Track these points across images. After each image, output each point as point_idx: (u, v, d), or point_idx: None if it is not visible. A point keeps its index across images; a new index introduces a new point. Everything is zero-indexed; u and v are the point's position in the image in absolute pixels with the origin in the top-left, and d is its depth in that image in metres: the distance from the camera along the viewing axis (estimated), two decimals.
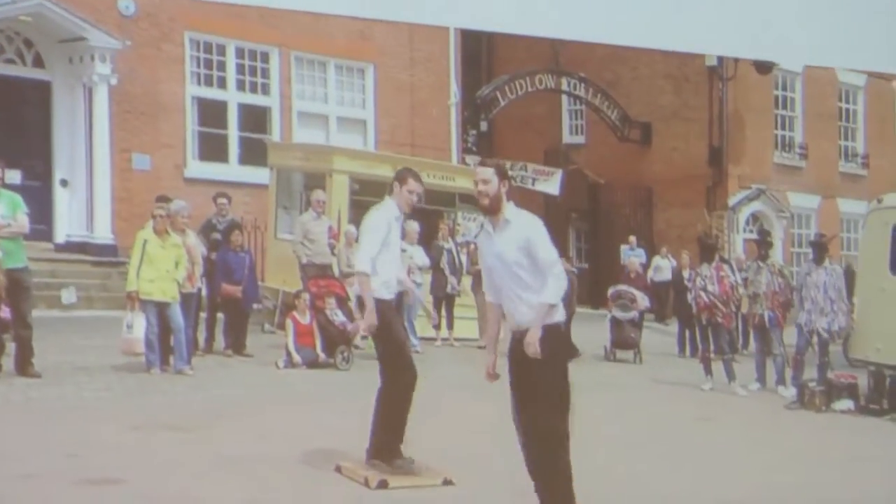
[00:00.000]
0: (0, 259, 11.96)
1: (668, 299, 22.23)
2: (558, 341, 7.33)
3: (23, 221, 12.38)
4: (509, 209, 7.48)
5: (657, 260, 23.82)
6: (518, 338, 7.37)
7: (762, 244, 16.99)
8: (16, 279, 12.29)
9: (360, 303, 9.22)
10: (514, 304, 7.40)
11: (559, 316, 7.36)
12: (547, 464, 7.31)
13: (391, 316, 9.13)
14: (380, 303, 8.99)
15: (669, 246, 25.16)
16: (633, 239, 24.73)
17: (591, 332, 19.54)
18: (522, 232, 7.31)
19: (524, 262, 7.30)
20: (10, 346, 12.74)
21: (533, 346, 7.14)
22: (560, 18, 9.26)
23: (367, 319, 8.90)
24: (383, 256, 9.08)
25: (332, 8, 9.93)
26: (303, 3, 9.76)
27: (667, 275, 22.55)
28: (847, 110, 30.94)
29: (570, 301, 15.24)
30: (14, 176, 14.25)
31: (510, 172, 25.31)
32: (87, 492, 8.19)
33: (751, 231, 28.17)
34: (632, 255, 22.51)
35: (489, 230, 7.53)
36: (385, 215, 9.21)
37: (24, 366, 12.38)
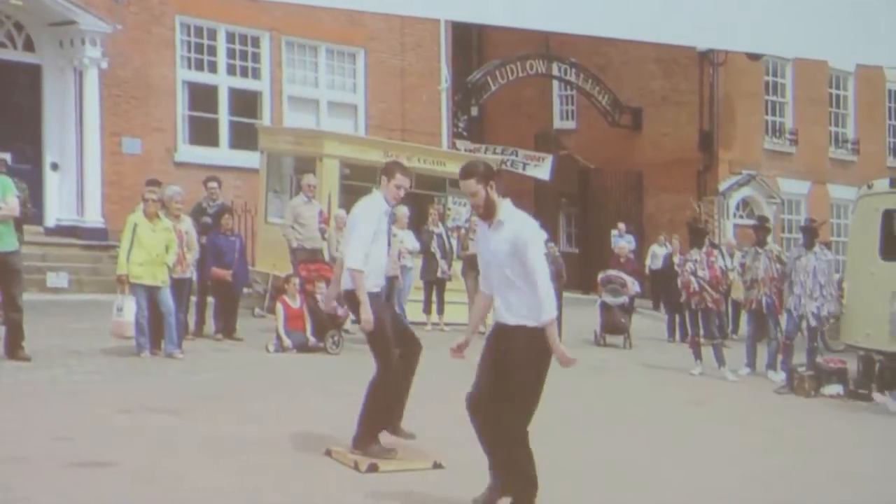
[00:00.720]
0: None
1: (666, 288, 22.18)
2: (542, 342, 7.36)
3: (13, 204, 12.34)
4: (504, 209, 7.49)
5: (654, 248, 23.81)
6: (499, 330, 7.44)
7: (760, 230, 17.00)
8: (6, 262, 12.26)
9: (350, 297, 9.24)
10: (500, 299, 7.46)
11: (550, 314, 7.39)
12: (504, 455, 7.41)
13: (379, 309, 9.14)
14: (369, 296, 9.02)
15: (659, 231, 25.21)
16: (622, 226, 24.68)
17: (580, 316, 19.58)
18: (514, 234, 7.33)
19: (513, 263, 7.33)
20: (0, 330, 12.76)
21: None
22: (551, 11, 9.26)
23: (363, 316, 8.91)
24: (373, 250, 9.09)
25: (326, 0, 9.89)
26: None
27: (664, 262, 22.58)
28: (837, 96, 30.98)
29: (558, 286, 15.30)
30: (4, 158, 14.19)
31: (501, 157, 25.39)
32: (77, 474, 8.18)
33: (741, 216, 28.22)
34: (621, 241, 22.50)
35: (485, 227, 7.58)
36: (374, 210, 9.21)
37: (13, 349, 12.37)
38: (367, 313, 8.90)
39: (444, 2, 9.52)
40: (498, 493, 7.58)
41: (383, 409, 9.10)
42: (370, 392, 9.08)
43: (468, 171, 7.63)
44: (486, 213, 7.47)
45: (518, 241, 7.25)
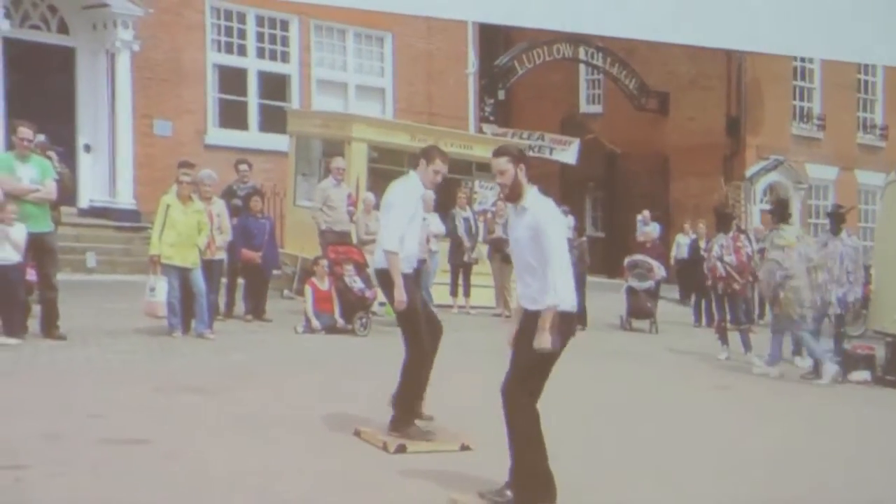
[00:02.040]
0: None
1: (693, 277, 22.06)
2: (564, 327, 7.41)
3: (51, 188, 12.49)
4: (529, 196, 7.53)
5: (679, 237, 23.71)
6: (525, 316, 7.50)
7: (775, 213, 16.88)
8: (42, 242, 12.42)
9: (379, 275, 9.31)
10: (521, 283, 7.53)
11: (568, 305, 7.42)
12: (507, 421, 7.46)
13: (411, 290, 9.19)
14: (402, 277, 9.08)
15: (686, 216, 25.17)
16: (646, 213, 24.45)
17: (606, 301, 19.61)
18: (534, 220, 7.37)
19: (533, 249, 7.39)
20: (36, 309, 12.88)
21: (541, 343, 7.25)
22: (579, 13, 9.31)
23: (397, 297, 8.97)
24: (407, 233, 9.15)
25: (355, 1, 9.95)
26: None
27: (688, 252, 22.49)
28: (866, 82, 30.85)
29: (580, 271, 15.31)
30: (38, 140, 14.29)
31: (528, 141, 25.40)
32: (110, 451, 8.27)
33: (768, 202, 28.15)
34: (646, 228, 22.40)
35: (512, 213, 7.65)
36: (412, 192, 9.26)
37: (49, 328, 12.51)
38: (401, 294, 8.97)
39: (476, 4, 9.57)
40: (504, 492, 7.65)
41: (418, 389, 9.17)
42: (404, 374, 9.15)
43: (501, 150, 7.73)
44: (512, 194, 7.52)
45: (538, 226, 7.30)
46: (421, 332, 9.14)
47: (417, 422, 9.22)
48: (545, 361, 7.40)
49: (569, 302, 7.39)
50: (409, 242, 9.16)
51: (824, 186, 29.82)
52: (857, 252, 15.84)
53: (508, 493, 7.59)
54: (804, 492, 8.87)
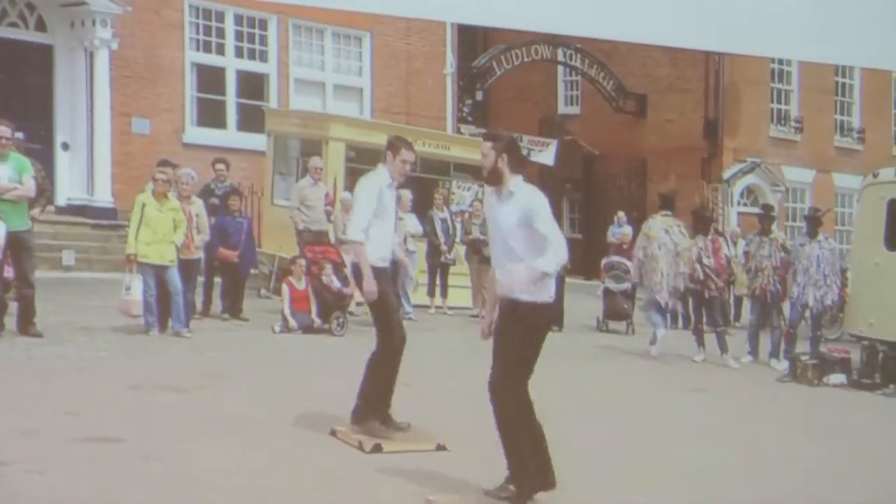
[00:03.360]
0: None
1: None
2: (539, 318, 7.45)
3: (29, 185, 12.49)
4: (514, 181, 7.55)
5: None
6: (502, 307, 7.53)
7: (765, 218, 16.96)
8: (19, 240, 12.40)
9: (356, 270, 9.33)
10: (501, 273, 7.52)
11: (547, 296, 7.45)
12: (498, 414, 7.48)
13: (384, 284, 9.21)
14: (374, 270, 9.08)
15: None
16: (621, 214, 24.33)
17: (583, 302, 19.65)
18: (523, 204, 7.38)
19: (520, 235, 7.39)
20: (13, 306, 12.86)
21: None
22: (556, 14, 9.36)
23: (366, 287, 8.99)
24: (377, 224, 9.15)
25: (334, 2, 9.98)
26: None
27: None
28: (843, 85, 30.98)
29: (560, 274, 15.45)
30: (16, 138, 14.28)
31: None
32: (85, 449, 8.27)
33: (745, 204, 28.27)
34: (619, 232, 22.29)
35: (494, 199, 7.64)
36: (376, 183, 9.27)
37: (26, 325, 12.51)
38: (369, 284, 8.99)
39: (452, 4, 9.61)
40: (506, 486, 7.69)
41: (383, 383, 9.18)
42: (370, 366, 9.19)
43: (490, 135, 7.80)
44: (490, 178, 7.57)
45: (527, 209, 7.31)
46: (394, 325, 9.17)
47: (385, 430, 9.24)
48: (530, 350, 7.44)
49: (550, 292, 7.44)
50: (380, 235, 9.16)
51: (801, 189, 29.93)
52: (833, 255, 15.94)
53: (511, 487, 7.63)
54: (779, 492, 8.93)
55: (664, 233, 16.16)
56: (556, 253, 7.34)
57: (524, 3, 9.58)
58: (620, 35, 10.07)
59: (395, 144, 9.44)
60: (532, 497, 7.56)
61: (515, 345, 7.40)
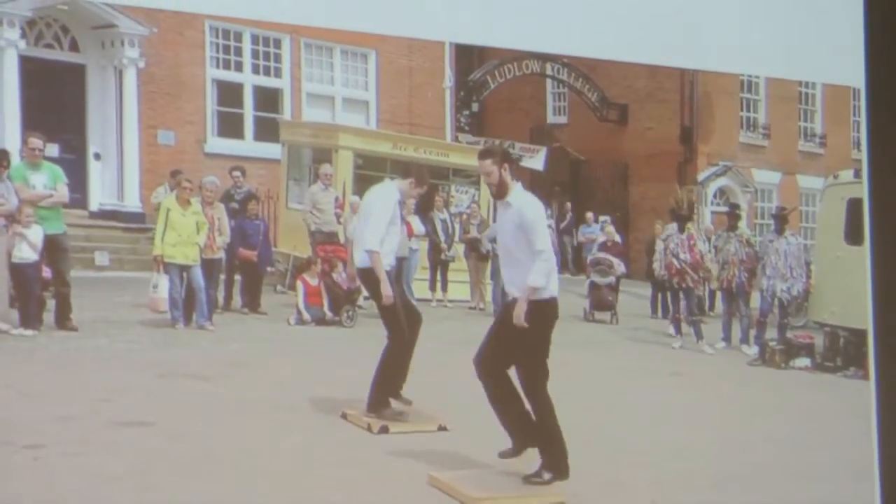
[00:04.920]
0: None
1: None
2: (545, 316, 7.48)
3: (63, 192, 12.60)
4: (514, 192, 7.58)
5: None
6: (507, 304, 7.56)
7: (731, 216, 17.10)
8: (56, 243, 12.46)
9: (361, 274, 9.37)
10: (504, 273, 7.58)
11: (548, 293, 7.48)
12: (532, 402, 7.51)
13: (392, 284, 9.27)
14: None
15: (644, 217, 25.19)
16: (589, 215, 24.09)
17: (572, 295, 19.64)
18: (519, 214, 7.41)
19: (518, 241, 7.43)
20: (50, 303, 12.87)
21: (518, 318, 7.30)
22: (546, 34, 9.39)
23: (383, 292, 9.03)
24: (387, 235, 9.21)
25: (342, 23, 10.01)
26: (312, 19, 9.85)
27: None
28: (806, 94, 30.92)
29: None
30: (53, 149, 14.35)
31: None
32: (118, 432, 8.32)
33: (718, 204, 28.24)
34: (588, 231, 22.14)
35: (501, 208, 7.71)
36: (391, 199, 9.33)
37: (62, 320, 12.50)
38: (387, 289, 9.03)
39: (451, 26, 9.64)
40: (517, 449, 7.72)
41: (394, 375, 9.21)
42: (383, 360, 9.20)
43: (487, 152, 7.81)
44: (499, 191, 7.58)
45: (523, 219, 7.35)
46: (401, 321, 9.20)
47: (395, 403, 9.28)
48: (543, 343, 7.49)
49: (553, 288, 7.46)
50: (388, 243, 9.22)
51: (769, 190, 29.87)
52: (799, 250, 15.98)
53: (546, 474, 7.69)
54: (750, 466, 8.95)
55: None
56: (546, 266, 7.38)
57: (516, 25, 9.60)
58: (602, 53, 10.10)
59: (423, 178, 9.56)
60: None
61: (532, 347, 7.44)
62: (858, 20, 9.65)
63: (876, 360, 9.79)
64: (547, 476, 7.75)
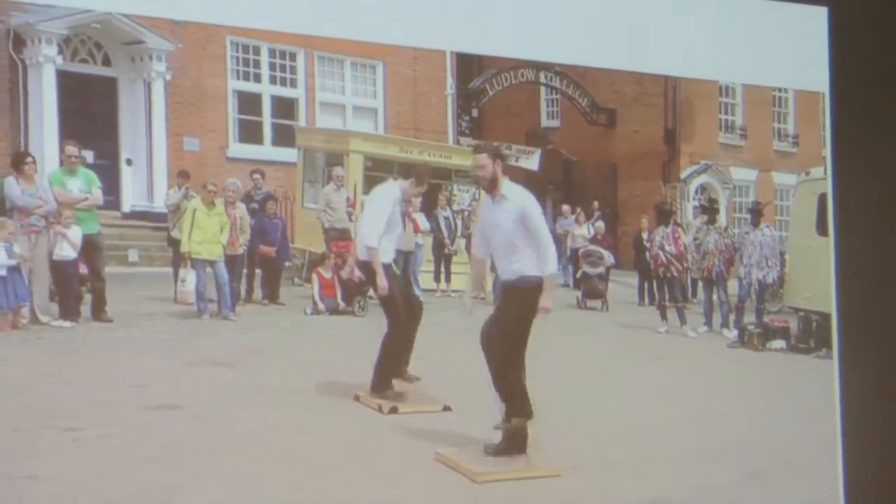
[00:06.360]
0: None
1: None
2: (532, 295, 7.50)
3: (98, 195, 12.85)
4: (506, 185, 7.58)
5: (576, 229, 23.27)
6: (503, 287, 7.58)
7: (710, 210, 17.18)
8: (91, 242, 12.60)
9: (361, 265, 9.41)
10: (503, 263, 7.58)
11: (536, 271, 7.50)
12: (488, 361, 7.57)
13: (389, 276, 9.29)
14: (383, 267, 9.17)
15: (631, 213, 25.17)
16: (566, 208, 23.92)
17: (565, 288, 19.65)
18: (518, 205, 7.42)
19: (518, 232, 7.43)
20: (87, 297, 12.90)
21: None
22: (538, 44, 9.43)
23: (380, 283, 9.07)
24: (388, 231, 9.24)
25: (349, 33, 10.05)
26: (319, 29, 9.86)
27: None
28: (780, 98, 30.85)
29: None
30: (88, 155, 14.44)
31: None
32: (150, 415, 8.35)
33: (699, 200, 28.20)
34: (565, 224, 22.03)
35: (489, 202, 7.66)
36: (391, 198, 9.36)
37: (98, 312, 12.55)
38: (382, 281, 9.05)
39: (452, 37, 9.67)
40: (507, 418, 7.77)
41: (393, 359, 9.23)
42: (383, 345, 9.24)
43: (482, 147, 7.83)
44: (490, 186, 7.59)
45: (524, 212, 7.36)
46: (399, 309, 9.24)
47: (398, 383, 9.32)
48: (526, 322, 7.52)
49: (535, 270, 7.50)
50: (388, 238, 9.24)
51: (746, 186, 29.80)
52: (774, 241, 16.03)
53: (514, 420, 7.72)
54: (730, 440, 8.97)
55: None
56: (553, 252, 7.43)
57: (511, 35, 9.62)
58: (590, 61, 10.15)
59: (422, 178, 9.58)
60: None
61: (516, 317, 7.47)
62: (823, 32, 9.76)
63: (839, 339, 9.87)
64: (515, 421, 7.76)
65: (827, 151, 10.19)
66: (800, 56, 9.98)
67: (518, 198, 7.50)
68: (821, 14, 9.83)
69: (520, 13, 9.29)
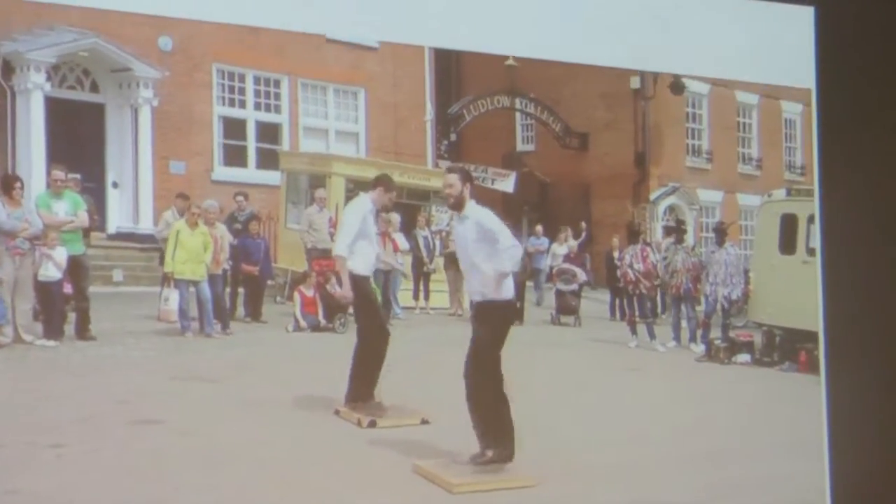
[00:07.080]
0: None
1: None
2: (506, 312, 7.43)
3: (83, 218, 12.78)
4: (470, 206, 7.58)
5: (555, 247, 23.21)
6: (473, 307, 7.55)
7: (678, 230, 17.27)
8: (77, 262, 12.49)
9: (339, 278, 9.39)
10: (468, 278, 7.58)
11: (508, 293, 7.44)
12: (471, 394, 7.50)
13: (367, 289, 9.26)
14: (359, 278, 9.11)
15: (604, 232, 25.15)
16: (539, 228, 23.81)
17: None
18: (475, 220, 7.40)
19: (479, 248, 7.42)
20: (71, 316, 12.77)
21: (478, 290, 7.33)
22: (514, 38, 9.40)
23: (344, 293, 9.05)
24: (361, 242, 9.19)
25: (331, 32, 10.05)
26: (303, 25, 9.79)
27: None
28: (744, 124, 30.93)
29: (522, 279, 15.41)
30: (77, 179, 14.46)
31: (474, 174, 25.30)
32: (134, 430, 8.25)
33: (668, 220, 28.24)
34: (537, 243, 21.96)
35: (456, 222, 7.69)
36: (361, 210, 9.35)
37: (82, 331, 12.39)
38: (347, 290, 9.03)
39: (427, 32, 9.64)
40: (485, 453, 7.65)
41: (363, 369, 9.17)
42: (353, 356, 9.19)
43: (454, 168, 7.95)
44: (456, 204, 7.58)
45: (482, 228, 7.33)
46: (369, 323, 9.19)
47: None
48: (497, 340, 7.45)
49: (509, 291, 7.42)
50: (363, 251, 9.18)
51: (712, 207, 29.86)
52: (738, 259, 16.07)
53: (488, 452, 7.60)
54: (698, 449, 8.93)
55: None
56: (511, 255, 7.35)
57: (486, 30, 9.59)
58: (575, 58, 10.10)
59: (388, 183, 9.56)
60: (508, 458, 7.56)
61: (488, 335, 7.41)
62: (809, 31, 9.80)
63: (826, 354, 9.84)
64: (489, 454, 7.68)
65: (814, 149, 10.18)
66: (786, 55, 9.99)
67: (474, 213, 7.53)
68: (807, 14, 9.89)
69: (504, 10, 9.27)
